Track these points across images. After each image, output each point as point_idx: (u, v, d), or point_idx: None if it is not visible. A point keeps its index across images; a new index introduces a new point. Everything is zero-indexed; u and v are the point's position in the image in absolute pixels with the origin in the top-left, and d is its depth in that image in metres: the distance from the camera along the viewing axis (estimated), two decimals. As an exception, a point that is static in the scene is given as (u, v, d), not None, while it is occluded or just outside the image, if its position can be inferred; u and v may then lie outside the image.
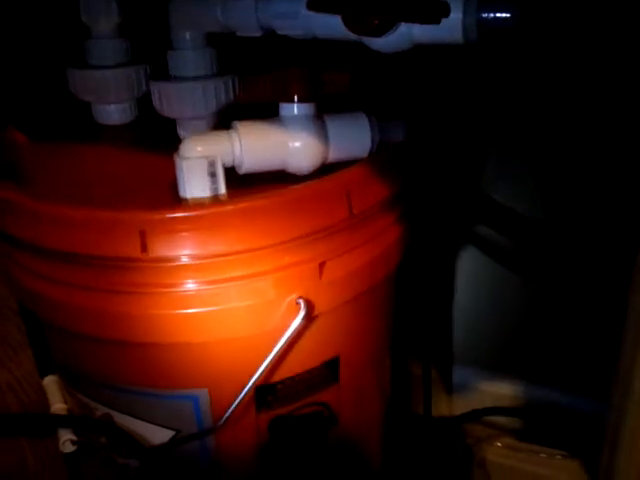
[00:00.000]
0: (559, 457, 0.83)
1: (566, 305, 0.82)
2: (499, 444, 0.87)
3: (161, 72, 0.63)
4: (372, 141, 0.55)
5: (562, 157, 0.76)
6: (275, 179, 0.54)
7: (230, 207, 0.50)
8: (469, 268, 0.87)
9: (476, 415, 0.88)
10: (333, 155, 0.55)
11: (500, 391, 0.89)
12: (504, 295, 0.86)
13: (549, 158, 0.77)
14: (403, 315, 0.69)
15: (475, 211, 0.83)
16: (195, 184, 0.50)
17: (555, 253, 0.80)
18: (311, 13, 0.49)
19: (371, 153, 0.56)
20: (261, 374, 0.51)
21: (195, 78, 0.60)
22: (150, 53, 0.68)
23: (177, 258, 0.49)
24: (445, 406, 0.92)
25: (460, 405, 0.91)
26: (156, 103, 0.62)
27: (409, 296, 0.72)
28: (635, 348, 0.58)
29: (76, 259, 0.51)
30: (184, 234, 0.49)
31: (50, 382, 0.63)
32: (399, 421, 0.78)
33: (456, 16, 0.45)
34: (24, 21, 0.80)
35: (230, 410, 0.52)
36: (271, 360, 0.51)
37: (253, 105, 0.60)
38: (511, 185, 0.80)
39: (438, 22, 0.45)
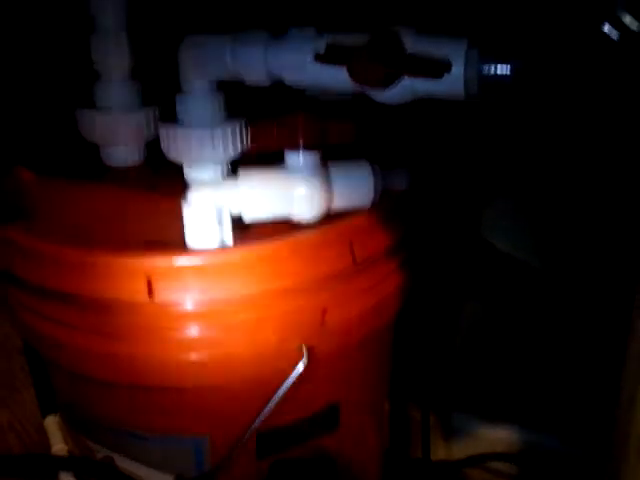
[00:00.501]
0: (557, 504, 0.82)
1: (565, 352, 0.82)
2: (498, 489, 0.86)
3: (171, 114, 0.63)
4: (375, 190, 0.56)
5: (561, 205, 0.77)
6: (280, 225, 0.54)
7: (236, 254, 0.50)
8: (468, 314, 0.87)
9: (475, 461, 0.88)
10: (337, 204, 0.55)
11: (498, 436, 0.89)
12: (502, 341, 0.86)
13: (549, 206, 0.77)
14: (402, 360, 0.69)
15: (474, 259, 0.83)
16: (202, 233, 0.51)
17: (553, 301, 0.81)
18: (318, 66, 0.51)
19: (374, 201, 0.57)
20: (262, 420, 0.51)
21: (202, 124, 0.61)
22: (161, 94, 0.69)
23: (182, 303, 0.50)
24: (443, 451, 0.91)
25: (458, 450, 0.91)
26: (164, 146, 0.63)
27: (408, 341, 0.72)
28: (635, 387, 0.58)
29: (80, 301, 0.51)
30: (190, 279, 0.49)
31: (51, 422, 0.63)
32: (398, 465, 0.78)
33: (458, 71, 0.46)
34: (35, 62, 0.81)
35: (231, 455, 0.52)
36: (272, 406, 0.51)
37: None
38: (510, 232, 0.80)
39: (440, 77, 0.47)
